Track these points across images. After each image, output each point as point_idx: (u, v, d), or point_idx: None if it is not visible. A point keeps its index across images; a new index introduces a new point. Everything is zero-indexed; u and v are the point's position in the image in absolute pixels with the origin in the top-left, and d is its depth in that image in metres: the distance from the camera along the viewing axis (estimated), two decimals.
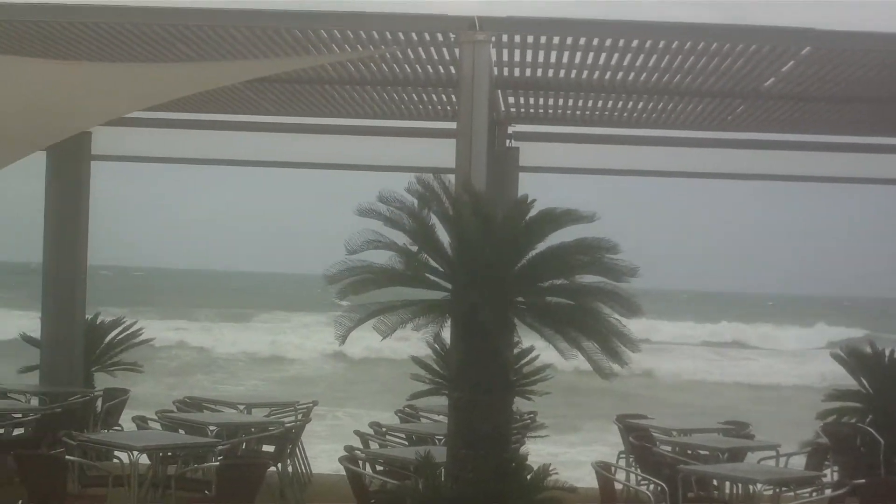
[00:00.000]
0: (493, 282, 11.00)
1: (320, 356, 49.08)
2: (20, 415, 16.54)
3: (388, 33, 12.62)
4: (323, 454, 19.39)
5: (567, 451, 25.39)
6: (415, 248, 11.14)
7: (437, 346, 16.68)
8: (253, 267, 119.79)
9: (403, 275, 11.13)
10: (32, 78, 12.53)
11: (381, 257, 11.16)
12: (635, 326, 11.26)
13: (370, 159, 19.30)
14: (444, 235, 11.29)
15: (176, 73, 13.19)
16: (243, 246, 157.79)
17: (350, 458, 13.01)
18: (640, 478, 14.86)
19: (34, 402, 17.51)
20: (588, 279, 11.21)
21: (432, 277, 11.22)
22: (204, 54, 13.73)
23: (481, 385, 11.13)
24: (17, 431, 16.63)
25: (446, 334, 11.47)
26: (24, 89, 12.29)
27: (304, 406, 17.64)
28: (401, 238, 11.21)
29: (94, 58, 14.09)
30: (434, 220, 11.25)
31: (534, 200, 11.29)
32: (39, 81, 12.44)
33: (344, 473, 12.91)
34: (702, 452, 15.49)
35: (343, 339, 10.95)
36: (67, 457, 12.93)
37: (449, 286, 11.23)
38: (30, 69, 12.85)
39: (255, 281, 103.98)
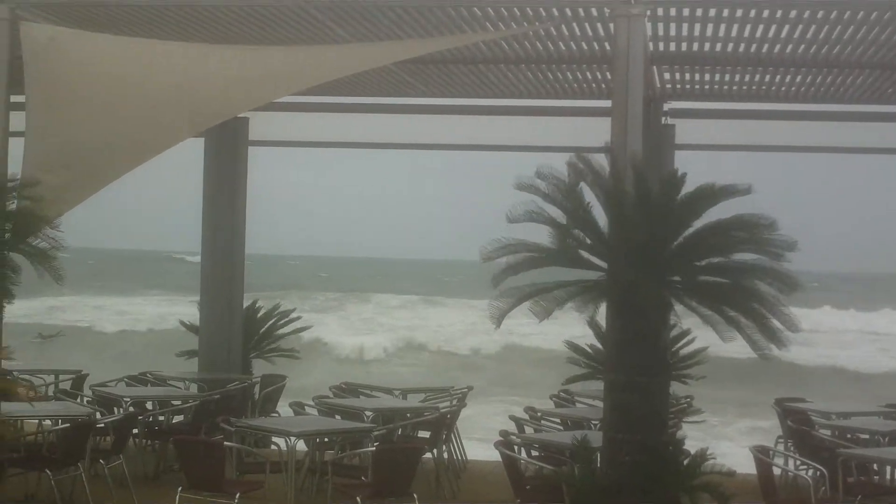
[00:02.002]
0: (650, 260, 10.84)
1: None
2: (180, 402, 16.79)
3: (541, 9, 12.50)
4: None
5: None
6: (571, 225, 11.02)
7: (591, 328, 16.60)
8: (402, 253, 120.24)
9: (560, 253, 11.01)
10: (188, 62, 12.68)
11: (535, 238, 11.08)
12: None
13: (522, 139, 19.22)
14: (599, 216, 11.15)
15: (329, 56, 13.26)
16: (395, 231, 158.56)
17: (505, 442, 12.91)
18: (798, 462, 14.57)
19: (193, 388, 17.73)
20: (745, 257, 11.00)
21: (588, 256, 11.07)
22: (358, 35, 13.74)
23: (638, 367, 10.97)
24: (177, 418, 16.88)
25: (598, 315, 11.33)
26: (181, 73, 12.44)
27: (459, 391, 17.58)
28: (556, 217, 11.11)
29: (248, 41, 14.22)
30: (590, 198, 11.12)
31: (685, 174, 11.10)
32: (195, 65, 12.58)
33: (499, 460, 12.80)
34: (862, 436, 15.12)
35: (499, 321, 10.90)
36: (226, 443, 13.04)
37: (604, 265, 11.08)
38: (185, 53, 13.01)
39: (412, 266, 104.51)
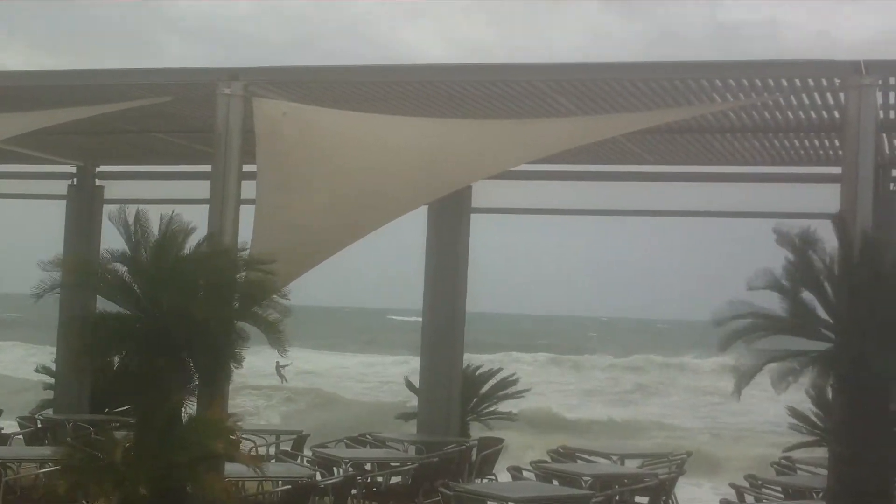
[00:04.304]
0: (882, 332, 10.73)
1: None
2: (398, 463, 16.97)
3: (770, 80, 12.50)
4: None
5: None
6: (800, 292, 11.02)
7: (815, 396, 16.41)
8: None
9: (791, 323, 10.98)
10: (419, 135, 12.97)
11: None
12: None
13: (745, 206, 19.07)
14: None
15: (557, 128, 13.41)
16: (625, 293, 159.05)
17: None
18: None
19: (412, 450, 17.91)
20: None
21: (819, 327, 11.03)
22: (585, 108, 13.92)
23: (865, 440, 10.86)
24: (395, 479, 17.07)
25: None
26: (412, 146, 12.72)
27: (678, 457, 17.49)
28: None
29: (474, 115, 14.52)
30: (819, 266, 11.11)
31: None
32: (426, 138, 12.87)
33: None
34: None
35: (738, 391, 10.91)
36: None
37: (832, 336, 11.02)
38: (416, 127, 13.30)
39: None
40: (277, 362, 49.33)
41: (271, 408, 47.56)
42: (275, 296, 12.33)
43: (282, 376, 51.47)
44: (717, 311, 11.05)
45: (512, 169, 15.72)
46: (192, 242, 12.49)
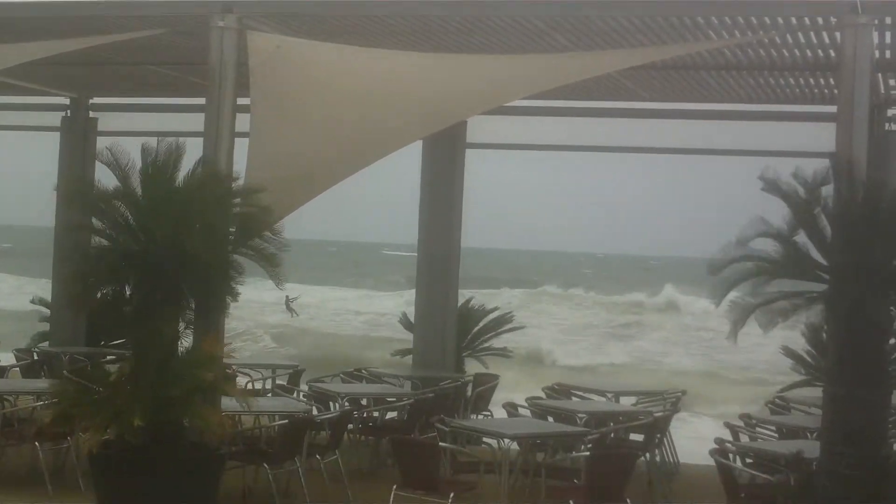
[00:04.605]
0: (878, 274, 10.72)
1: None
2: (394, 399, 16.95)
3: (766, 19, 12.48)
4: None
5: None
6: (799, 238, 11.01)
7: (810, 336, 16.43)
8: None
9: (786, 266, 10.96)
10: (414, 70, 12.91)
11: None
12: None
13: (740, 143, 19.05)
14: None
15: (552, 64, 13.36)
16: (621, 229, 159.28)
17: (720, 450, 12.86)
18: None
19: (407, 385, 17.90)
20: None
21: (815, 270, 11.03)
22: (580, 44, 13.84)
23: (859, 379, 10.87)
24: (391, 415, 17.09)
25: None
26: (407, 81, 12.67)
27: (673, 395, 17.53)
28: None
29: (472, 51, 14.43)
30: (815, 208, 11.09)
31: None
32: (421, 73, 12.81)
33: (711, 464, 12.75)
34: None
35: (734, 336, 10.90)
36: (440, 443, 13.16)
37: (827, 277, 11.01)
38: (411, 61, 13.24)
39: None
40: (287, 296, 49.66)
41: (262, 327, 48.09)
42: (269, 230, 12.35)
43: (291, 310, 51.67)
44: (714, 262, 11.05)
45: (507, 104, 15.69)
46: (185, 169, 12.51)
